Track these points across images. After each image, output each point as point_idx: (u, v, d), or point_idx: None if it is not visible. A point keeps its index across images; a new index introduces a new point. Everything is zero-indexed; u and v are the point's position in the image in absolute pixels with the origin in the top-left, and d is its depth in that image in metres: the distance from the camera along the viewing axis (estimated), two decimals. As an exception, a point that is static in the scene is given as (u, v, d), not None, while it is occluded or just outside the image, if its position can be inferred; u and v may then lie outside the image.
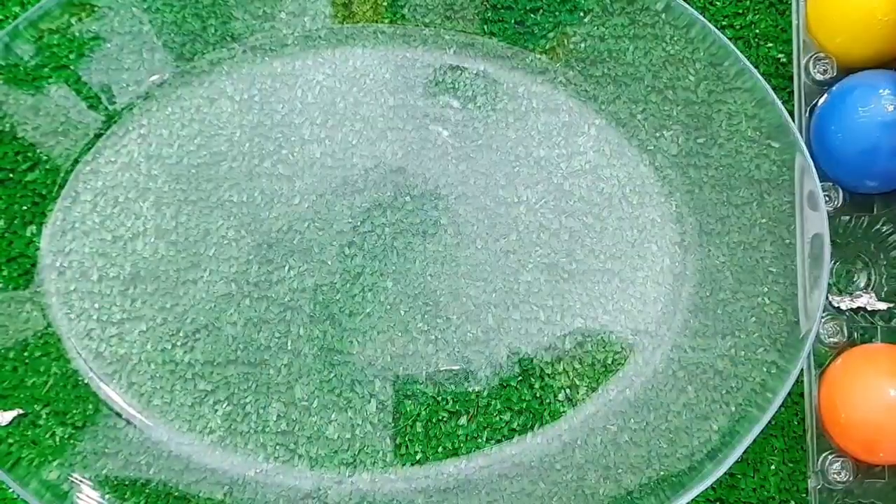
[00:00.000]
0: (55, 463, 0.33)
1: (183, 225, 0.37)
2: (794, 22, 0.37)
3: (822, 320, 0.36)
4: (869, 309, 0.36)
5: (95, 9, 0.36)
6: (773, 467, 0.37)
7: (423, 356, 0.36)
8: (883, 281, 0.37)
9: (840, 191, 0.37)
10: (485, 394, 0.36)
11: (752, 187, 0.36)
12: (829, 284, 0.34)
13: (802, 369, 0.36)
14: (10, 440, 0.33)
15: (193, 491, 0.34)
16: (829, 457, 0.35)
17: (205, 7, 0.37)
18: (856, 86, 0.35)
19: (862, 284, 0.37)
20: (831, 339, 0.36)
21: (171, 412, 0.35)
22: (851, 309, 0.36)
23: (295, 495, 0.35)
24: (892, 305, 0.37)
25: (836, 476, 0.35)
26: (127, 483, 0.34)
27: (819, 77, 0.37)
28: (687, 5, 0.36)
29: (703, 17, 0.36)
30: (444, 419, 0.36)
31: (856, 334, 0.36)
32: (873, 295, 0.36)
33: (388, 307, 0.36)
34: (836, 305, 0.36)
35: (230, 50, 0.38)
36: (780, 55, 0.38)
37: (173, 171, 0.37)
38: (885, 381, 0.34)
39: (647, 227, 0.37)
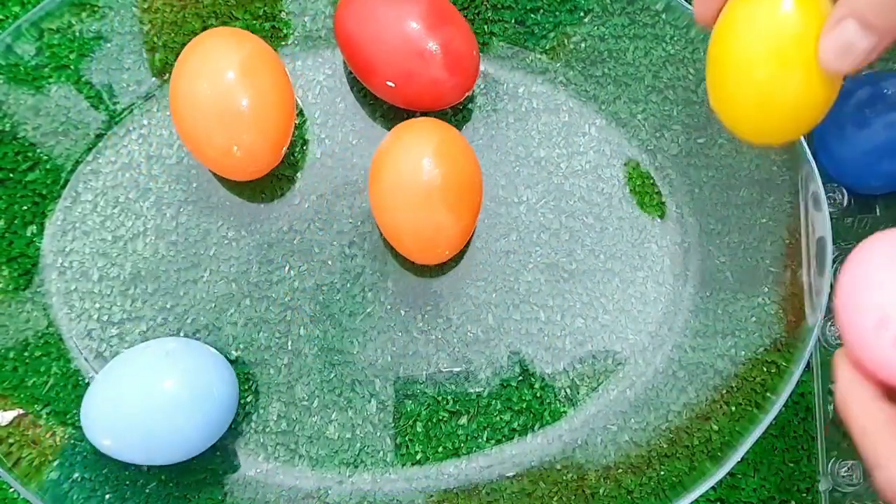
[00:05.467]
0: (55, 463, 0.33)
1: (183, 225, 0.37)
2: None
3: (829, 322, 0.36)
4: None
5: (96, 9, 0.36)
6: (773, 467, 0.37)
7: (423, 356, 0.36)
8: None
9: (843, 192, 0.37)
10: (485, 394, 0.36)
11: (752, 187, 0.36)
12: (831, 286, 0.34)
13: (811, 370, 0.36)
14: (11, 440, 0.33)
15: (193, 491, 0.34)
16: (839, 461, 0.35)
17: (205, 7, 0.37)
18: (859, 86, 0.35)
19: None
20: (839, 341, 0.36)
21: (171, 412, 0.35)
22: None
23: (295, 495, 0.35)
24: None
25: (845, 479, 0.35)
26: (127, 483, 0.34)
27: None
28: (687, 5, 0.36)
29: (704, 16, 0.35)
30: (445, 419, 0.36)
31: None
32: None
33: (388, 307, 0.36)
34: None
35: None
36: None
37: (174, 171, 0.37)
38: None
39: (647, 227, 0.37)
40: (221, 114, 0.33)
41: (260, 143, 0.34)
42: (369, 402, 0.36)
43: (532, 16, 0.38)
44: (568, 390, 0.36)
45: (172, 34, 0.37)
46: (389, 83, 0.34)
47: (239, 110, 0.33)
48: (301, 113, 0.38)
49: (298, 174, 0.37)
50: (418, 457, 0.35)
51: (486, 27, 0.38)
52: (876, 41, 0.24)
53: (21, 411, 0.34)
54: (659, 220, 0.37)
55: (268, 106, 0.34)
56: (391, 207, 0.34)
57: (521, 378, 0.36)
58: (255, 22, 0.38)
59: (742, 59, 0.26)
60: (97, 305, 0.36)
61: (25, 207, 0.36)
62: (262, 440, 0.35)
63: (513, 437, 0.36)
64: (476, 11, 0.38)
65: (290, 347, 0.36)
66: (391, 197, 0.34)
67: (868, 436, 0.24)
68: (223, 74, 0.33)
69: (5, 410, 0.34)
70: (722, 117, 0.28)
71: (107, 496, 0.33)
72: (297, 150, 0.37)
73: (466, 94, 0.36)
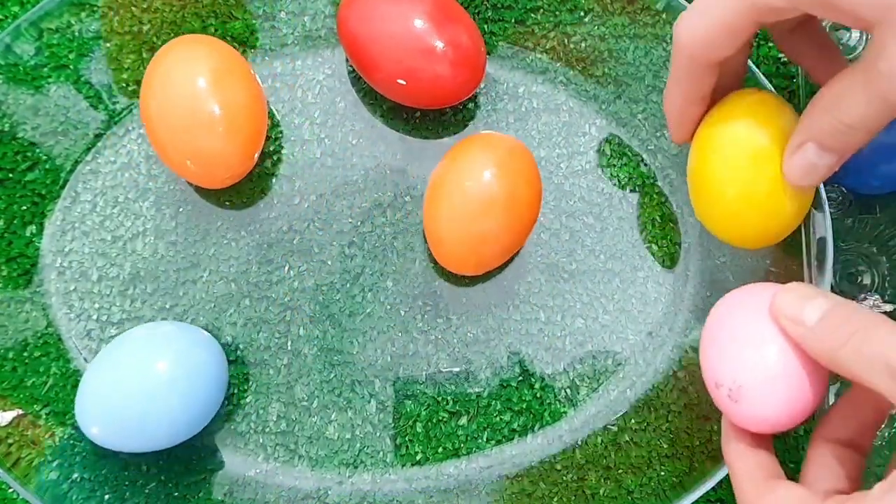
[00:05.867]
0: (55, 463, 0.33)
1: (182, 225, 0.37)
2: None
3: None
4: (875, 311, 0.36)
5: (96, 9, 0.36)
6: (774, 468, 0.37)
7: (423, 356, 0.36)
8: (886, 283, 0.37)
9: (844, 193, 0.37)
10: (485, 394, 0.36)
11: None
12: (831, 287, 0.34)
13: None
14: (10, 440, 0.33)
15: (193, 491, 0.34)
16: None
17: (205, 7, 0.37)
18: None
19: (866, 286, 0.37)
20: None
21: (170, 412, 0.35)
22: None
23: (295, 496, 0.35)
24: None
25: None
26: (126, 483, 0.34)
27: (820, 77, 0.37)
28: (687, 5, 0.36)
29: (704, 16, 0.35)
30: (445, 419, 0.36)
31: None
32: (878, 297, 0.36)
33: (388, 307, 0.36)
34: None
35: (230, 50, 0.38)
36: (781, 55, 0.38)
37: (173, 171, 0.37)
38: None
39: (647, 227, 0.37)
40: (184, 124, 0.33)
41: (230, 151, 0.34)
42: (369, 402, 0.36)
43: (532, 16, 0.38)
44: (568, 390, 0.36)
45: (172, 34, 0.37)
46: (400, 81, 0.34)
47: (205, 119, 0.33)
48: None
49: (298, 174, 0.37)
50: (418, 457, 0.35)
51: (486, 27, 0.38)
52: (836, 159, 0.26)
53: (20, 411, 0.34)
54: (659, 220, 0.37)
55: (236, 113, 0.34)
56: (445, 215, 0.34)
57: (521, 378, 0.36)
58: (254, 22, 0.38)
59: (719, 177, 0.29)
60: (96, 305, 0.36)
61: (25, 207, 0.36)
62: (261, 440, 0.35)
63: (513, 438, 0.36)
64: (476, 11, 0.38)
65: (289, 348, 0.36)
66: (448, 205, 0.34)
67: (739, 483, 0.27)
68: (188, 84, 0.33)
69: (4, 411, 0.34)
70: (706, 226, 0.31)
71: (106, 496, 0.33)
72: (297, 150, 0.37)
73: (473, 91, 0.36)
